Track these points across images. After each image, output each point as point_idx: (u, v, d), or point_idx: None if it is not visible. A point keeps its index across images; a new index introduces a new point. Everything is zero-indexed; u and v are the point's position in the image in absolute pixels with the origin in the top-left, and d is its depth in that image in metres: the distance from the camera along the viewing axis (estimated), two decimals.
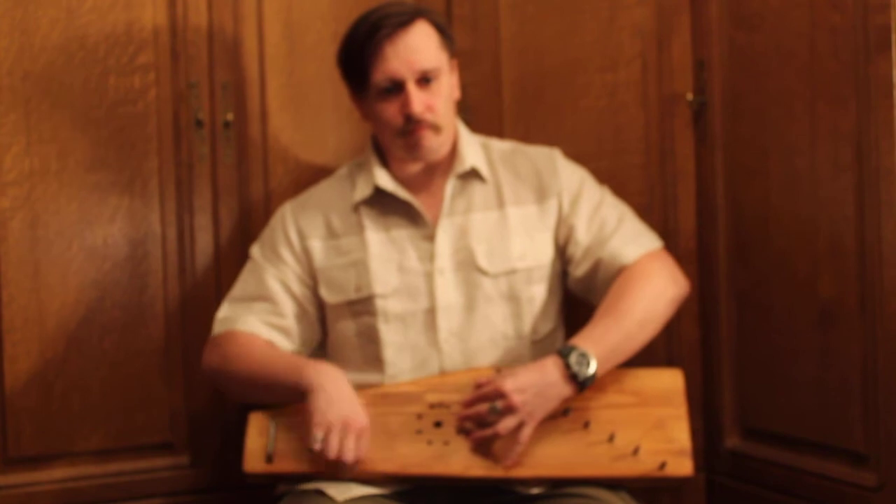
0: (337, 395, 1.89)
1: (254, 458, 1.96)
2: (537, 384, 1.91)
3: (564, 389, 1.92)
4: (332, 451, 1.86)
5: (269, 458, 1.95)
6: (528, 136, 2.31)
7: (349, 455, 1.87)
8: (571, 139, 2.32)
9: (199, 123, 2.23)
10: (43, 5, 2.15)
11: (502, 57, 2.36)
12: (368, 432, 1.89)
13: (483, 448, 1.93)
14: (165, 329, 2.23)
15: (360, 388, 1.96)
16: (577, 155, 2.18)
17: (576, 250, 2.09)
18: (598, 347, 1.94)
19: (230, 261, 2.22)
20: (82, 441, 2.19)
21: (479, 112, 2.16)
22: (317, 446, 1.87)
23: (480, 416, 1.92)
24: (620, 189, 2.22)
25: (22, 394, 2.15)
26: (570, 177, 2.12)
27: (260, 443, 1.96)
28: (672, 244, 2.26)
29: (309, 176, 2.24)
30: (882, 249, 1.96)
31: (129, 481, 2.21)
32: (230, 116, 2.24)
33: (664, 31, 2.35)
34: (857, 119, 1.99)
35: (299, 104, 2.30)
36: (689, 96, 2.34)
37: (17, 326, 2.14)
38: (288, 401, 1.97)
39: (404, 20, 1.99)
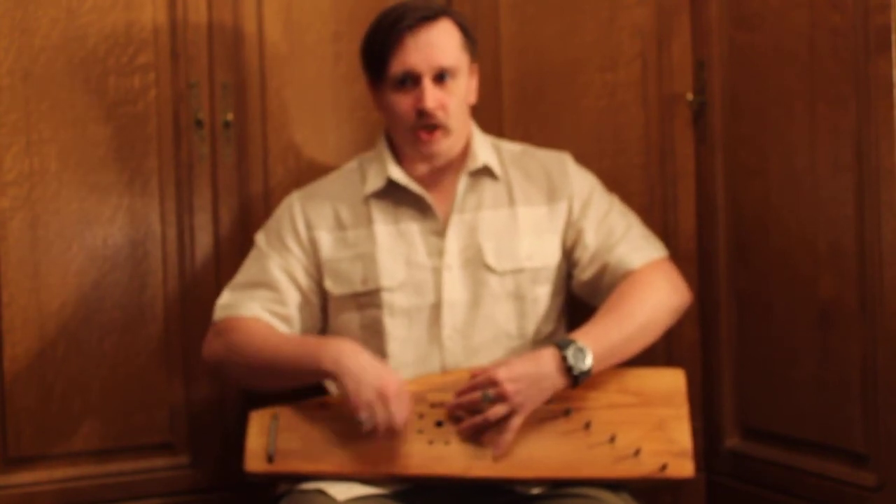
0: (361, 371, 1.91)
1: (255, 457, 1.96)
2: (531, 375, 1.92)
3: (558, 381, 1.93)
4: (383, 425, 1.89)
5: (270, 458, 1.95)
6: (528, 136, 2.31)
7: (398, 419, 1.89)
8: (571, 139, 2.32)
9: (199, 123, 2.23)
10: (43, 5, 2.15)
11: (502, 57, 2.36)
12: (404, 386, 1.91)
13: (474, 439, 1.93)
14: (165, 329, 2.23)
15: None
16: (577, 155, 2.18)
17: (583, 254, 2.09)
18: (596, 345, 1.94)
19: (230, 261, 2.22)
20: (82, 441, 2.19)
21: (479, 112, 2.16)
22: (366, 428, 1.89)
23: (472, 403, 1.93)
24: (620, 189, 2.22)
25: (22, 394, 2.14)
26: (581, 182, 2.13)
27: (261, 442, 1.96)
28: (672, 244, 2.26)
29: (309, 176, 2.23)
30: (882, 249, 1.96)
31: (128, 481, 2.21)
32: (230, 116, 2.24)
33: (664, 31, 2.35)
34: (857, 119, 1.99)
35: (299, 104, 2.30)
36: (689, 96, 2.34)
37: (17, 326, 2.14)
38: (301, 384, 1.99)
39: (429, 15, 2.00)
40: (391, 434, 1.90)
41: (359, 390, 1.90)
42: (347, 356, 1.92)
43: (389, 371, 1.92)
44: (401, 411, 1.89)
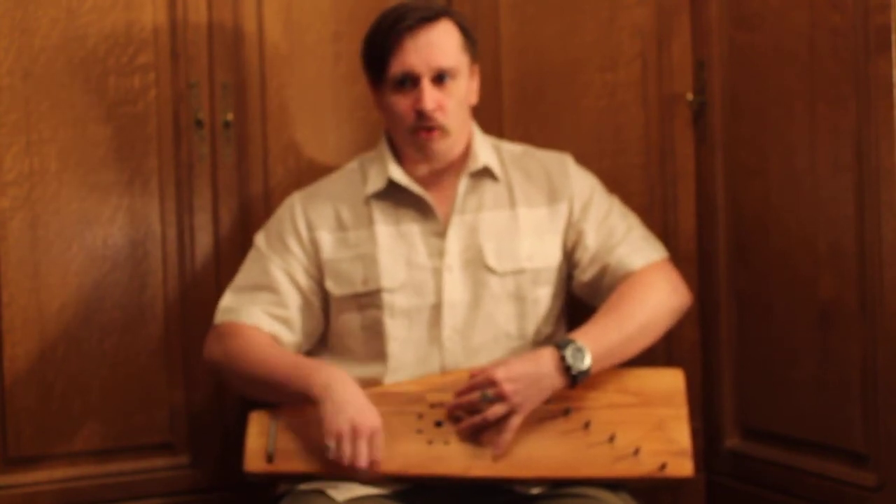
0: (344, 401, 1.89)
1: (254, 457, 1.96)
2: (530, 374, 1.92)
3: (557, 381, 1.93)
4: (346, 458, 1.86)
5: (270, 458, 1.95)
6: (528, 136, 2.31)
7: (361, 460, 1.87)
8: (571, 139, 2.33)
9: (199, 123, 2.23)
10: (43, 5, 2.15)
11: (502, 57, 2.36)
12: (380, 433, 1.89)
13: (473, 438, 1.93)
14: (165, 329, 2.23)
15: (361, 382, 1.96)
16: (577, 155, 2.19)
17: (583, 255, 2.09)
18: (595, 345, 1.95)
19: (230, 261, 2.22)
20: (82, 441, 2.19)
21: (479, 112, 2.16)
22: (330, 455, 1.87)
23: (471, 403, 1.93)
24: (620, 189, 2.22)
25: (22, 394, 2.14)
26: (582, 183, 2.13)
27: (260, 442, 1.96)
28: (672, 244, 2.26)
29: (309, 176, 2.24)
30: (882, 250, 1.96)
31: (128, 481, 2.21)
32: (230, 116, 2.24)
33: (664, 31, 2.35)
34: (857, 119, 1.99)
35: (299, 104, 2.30)
36: (689, 96, 2.34)
37: (17, 326, 2.14)
38: (289, 402, 1.97)
39: (429, 16, 2.00)
40: (352, 471, 1.88)
41: (334, 418, 1.88)
42: (337, 384, 1.91)
43: (371, 411, 1.90)
44: (367, 453, 1.87)
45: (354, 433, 1.87)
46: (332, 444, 1.87)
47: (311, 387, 1.92)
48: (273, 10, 2.28)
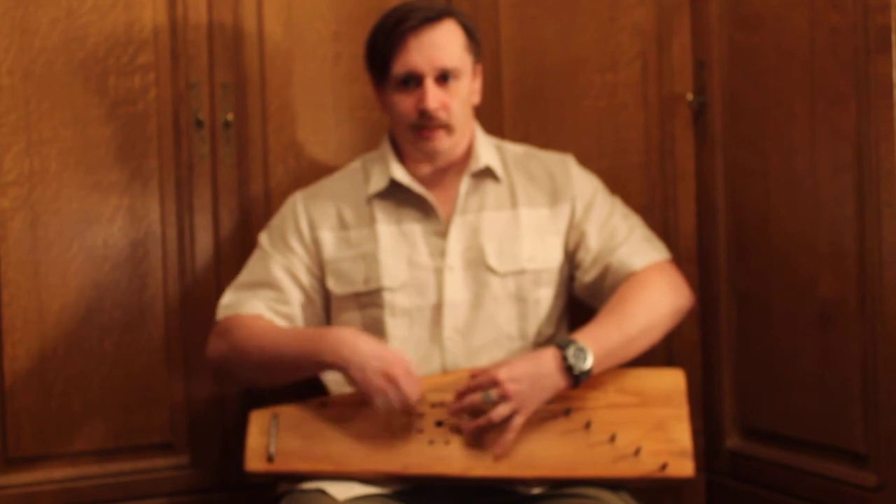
0: (363, 359, 1.91)
1: (255, 457, 1.96)
2: (532, 374, 1.92)
3: (559, 381, 1.93)
4: (399, 405, 1.91)
5: (271, 458, 1.95)
6: (528, 136, 2.31)
7: (413, 396, 1.91)
8: (571, 139, 2.33)
9: (199, 123, 2.23)
10: (43, 5, 2.15)
11: (502, 57, 2.36)
12: (410, 363, 1.92)
13: (475, 438, 1.94)
14: (165, 329, 2.23)
15: None
16: (577, 155, 2.19)
17: (585, 256, 2.09)
18: (596, 345, 1.95)
19: (230, 261, 2.22)
20: (82, 441, 2.19)
21: (479, 112, 2.16)
22: (382, 410, 1.92)
23: (474, 405, 1.93)
24: (620, 189, 2.22)
25: (22, 394, 2.14)
26: (584, 184, 2.13)
27: (261, 442, 1.96)
28: (672, 244, 2.26)
29: (309, 176, 2.24)
30: (882, 250, 1.96)
31: (129, 481, 2.21)
32: (230, 116, 2.24)
33: (664, 31, 2.35)
34: (857, 119, 1.99)
35: (299, 104, 2.30)
36: (689, 96, 2.34)
37: (17, 326, 2.14)
38: (306, 377, 2.01)
39: (432, 16, 2.00)
40: (409, 410, 1.93)
41: (366, 379, 1.91)
42: (346, 347, 1.93)
43: (390, 352, 1.93)
44: (412, 388, 1.91)
45: (392, 381, 1.90)
46: (379, 401, 1.91)
47: (322, 356, 1.95)
48: (273, 10, 2.27)
